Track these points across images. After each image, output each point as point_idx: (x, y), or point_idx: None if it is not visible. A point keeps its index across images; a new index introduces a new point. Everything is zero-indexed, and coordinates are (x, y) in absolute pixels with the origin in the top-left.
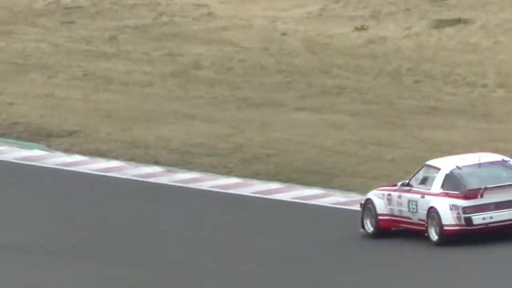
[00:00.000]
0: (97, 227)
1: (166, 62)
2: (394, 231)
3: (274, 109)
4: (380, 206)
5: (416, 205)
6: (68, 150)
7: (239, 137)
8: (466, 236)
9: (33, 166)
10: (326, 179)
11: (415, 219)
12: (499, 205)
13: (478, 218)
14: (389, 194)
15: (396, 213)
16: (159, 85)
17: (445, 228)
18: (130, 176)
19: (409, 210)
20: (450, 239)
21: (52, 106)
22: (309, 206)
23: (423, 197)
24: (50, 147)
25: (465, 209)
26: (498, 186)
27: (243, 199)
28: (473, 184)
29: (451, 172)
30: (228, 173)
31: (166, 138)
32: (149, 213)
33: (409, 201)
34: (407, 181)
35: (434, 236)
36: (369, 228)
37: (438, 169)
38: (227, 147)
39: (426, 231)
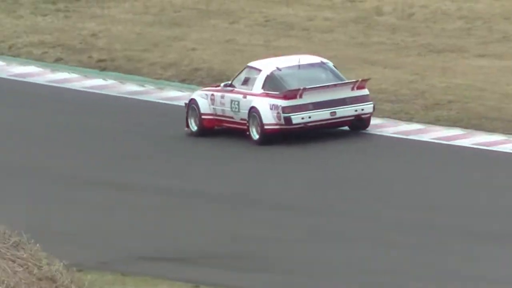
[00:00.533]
0: None
1: (347, 8)
2: (217, 129)
3: (455, 55)
4: (204, 106)
5: (238, 105)
6: None
7: (420, 84)
8: (286, 135)
9: None
10: (507, 126)
11: (237, 119)
12: (316, 105)
13: (297, 118)
14: (212, 95)
15: (219, 112)
16: (340, 31)
17: (266, 127)
18: None
19: (231, 110)
20: (270, 137)
21: (233, 52)
22: (491, 152)
23: (245, 97)
24: None
25: (285, 109)
26: (316, 87)
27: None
28: (292, 85)
29: (272, 73)
30: (410, 119)
31: None
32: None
33: (231, 101)
34: (229, 82)
35: (255, 135)
36: (193, 127)
37: (259, 70)
38: (409, 93)
39: (248, 130)
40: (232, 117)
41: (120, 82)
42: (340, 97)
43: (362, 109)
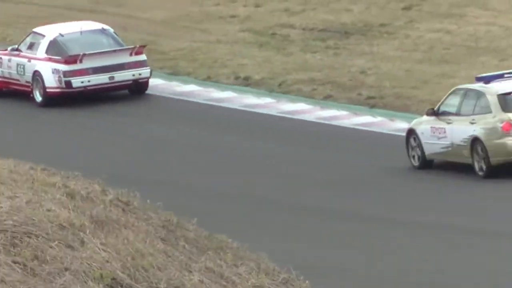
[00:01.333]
0: None
1: None
2: (6, 91)
3: None
4: None
5: (24, 68)
6: None
7: None
8: (68, 97)
9: None
10: None
11: (22, 81)
12: (96, 70)
13: (77, 82)
14: (0, 58)
15: (6, 75)
16: None
17: (48, 90)
18: None
19: (17, 73)
20: (52, 100)
21: None
22: None
23: (29, 61)
24: None
25: (65, 73)
26: (95, 53)
27: None
28: (74, 50)
29: (55, 38)
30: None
31: None
32: None
33: (17, 65)
34: (16, 46)
35: (38, 97)
36: None
37: (43, 35)
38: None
39: (32, 92)
40: (18, 80)
41: (390, 119)
42: (119, 62)
43: (140, 74)
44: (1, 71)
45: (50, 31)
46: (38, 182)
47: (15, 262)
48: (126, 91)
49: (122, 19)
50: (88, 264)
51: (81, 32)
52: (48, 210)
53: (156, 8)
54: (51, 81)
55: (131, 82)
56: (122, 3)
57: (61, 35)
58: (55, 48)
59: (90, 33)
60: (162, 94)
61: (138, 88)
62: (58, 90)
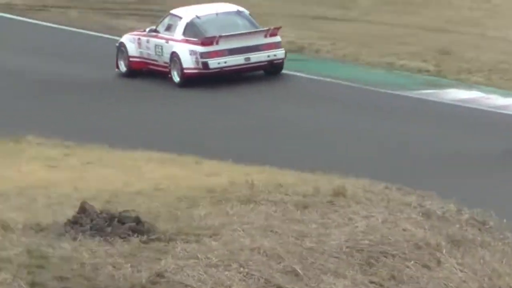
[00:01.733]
0: None
1: None
2: (144, 71)
3: None
4: (132, 49)
5: (162, 49)
6: None
7: None
8: (204, 78)
9: None
10: None
11: (160, 62)
12: (232, 51)
13: (213, 63)
14: (139, 39)
15: (145, 55)
16: None
17: (185, 71)
18: None
19: (155, 54)
20: (189, 81)
21: None
22: None
23: (167, 42)
24: None
25: (202, 54)
26: (231, 35)
27: None
28: (210, 32)
29: (191, 20)
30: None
31: None
32: None
33: (155, 46)
34: (154, 27)
35: (176, 78)
36: (123, 68)
37: (180, 17)
38: None
39: (170, 73)
40: (156, 60)
41: None
42: (254, 44)
43: (275, 55)
44: (140, 51)
45: (187, 13)
46: (393, 202)
47: (371, 282)
48: (261, 72)
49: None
50: (445, 285)
51: (217, 14)
52: (404, 230)
53: None
54: (188, 62)
55: (266, 63)
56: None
57: (198, 17)
58: (192, 30)
59: (225, 15)
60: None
61: (273, 69)
62: (195, 71)
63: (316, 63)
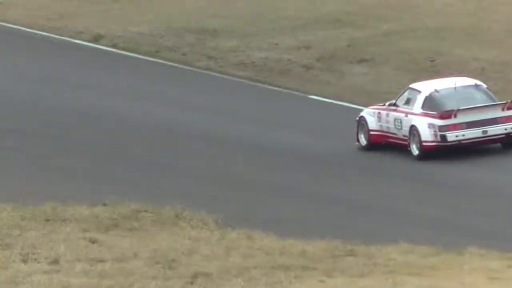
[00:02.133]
0: None
1: None
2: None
3: None
4: (372, 122)
5: (401, 122)
6: None
7: None
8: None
9: None
10: None
11: (399, 135)
12: (470, 125)
13: (452, 136)
14: (379, 113)
15: (384, 129)
16: None
17: (424, 144)
18: None
19: (395, 127)
20: (428, 153)
21: None
22: None
23: (406, 116)
24: None
25: (441, 128)
26: (469, 108)
27: None
28: (448, 105)
29: (430, 94)
30: None
31: None
32: None
33: (395, 119)
34: (394, 101)
35: (415, 151)
36: (363, 141)
37: (419, 91)
38: None
39: (409, 146)
40: (395, 134)
41: None
42: (492, 116)
43: None
44: (380, 125)
45: (426, 87)
46: None
47: None
48: (498, 145)
49: None
50: None
51: (455, 88)
52: None
53: None
54: (427, 135)
55: (503, 135)
56: None
57: (436, 91)
58: (431, 104)
59: (463, 88)
60: None
61: (510, 142)
62: (433, 143)
63: None
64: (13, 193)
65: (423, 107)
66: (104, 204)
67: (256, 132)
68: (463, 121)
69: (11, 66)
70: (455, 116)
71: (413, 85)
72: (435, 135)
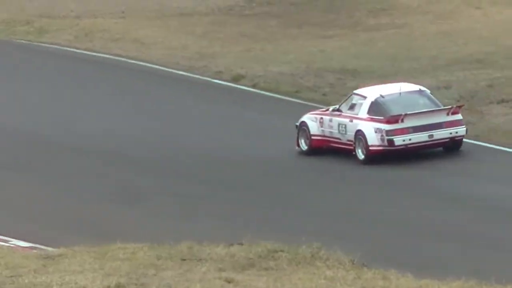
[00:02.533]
0: None
1: None
2: (325, 149)
3: None
4: (313, 128)
5: (345, 127)
6: None
7: None
8: (388, 155)
9: None
10: None
11: (344, 140)
12: (416, 129)
13: (399, 140)
14: (321, 118)
15: (327, 134)
16: None
17: (370, 148)
18: None
19: (339, 132)
20: (374, 157)
21: None
22: None
23: (351, 121)
24: None
25: (388, 132)
26: (416, 113)
27: None
28: (394, 110)
29: (376, 100)
30: None
31: None
32: None
33: (339, 124)
34: (337, 107)
35: (360, 155)
36: (303, 146)
37: (365, 97)
38: None
39: (354, 150)
40: (339, 138)
41: None
42: (437, 121)
43: (456, 132)
44: (322, 130)
45: (371, 93)
46: None
47: None
48: (440, 149)
49: None
50: None
51: (400, 93)
52: None
53: None
54: (373, 140)
55: (448, 140)
56: None
57: (382, 96)
58: (377, 109)
59: (408, 94)
60: None
61: (453, 146)
62: (380, 148)
63: None
64: (150, 233)
65: (368, 112)
66: (240, 244)
67: (398, 170)
68: (409, 125)
69: (152, 105)
70: (402, 121)
71: (357, 91)
72: (382, 140)
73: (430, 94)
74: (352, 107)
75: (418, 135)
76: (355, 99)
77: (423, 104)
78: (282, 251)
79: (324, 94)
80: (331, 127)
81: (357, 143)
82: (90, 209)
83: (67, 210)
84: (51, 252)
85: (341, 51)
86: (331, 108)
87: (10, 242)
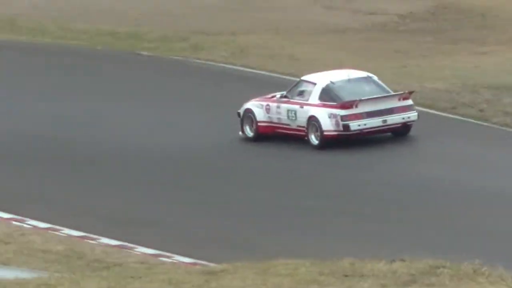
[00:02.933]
0: None
1: None
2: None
3: None
4: (260, 114)
5: (295, 113)
6: None
7: None
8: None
9: None
10: None
11: (293, 126)
12: (370, 114)
13: (354, 125)
14: (268, 105)
15: (274, 120)
16: None
17: (325, 133)
18: None
19: (288, 118)
20: (329, 143)
21: None
22: None
23: (302, 107)
24: None
25: (343, 117)
26: (370, 98)
27: None
28: (345, 96)
29: (327, 86)
30: None
31: None
32: None
33: (288, 111)
34: (284, 93)
35: (314, 141)
36: (249, 133)
37: (314, 83)
38: None
39: (306, 136)
40: (288, 124)
41: None
42: (389, 107)
43: (409, 117)
44: (269, 116)
45: (320, 79)
46: None
47: None
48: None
49: None
50: None
51: (349, 80)
52: None
53: None
54: (328, 125)
55: (400, 125)
56: None
57: (332, 82)
58: (329, 95)
59: (357, 80)
60: None
61: (404, 131)
62: (335, 133)
63: None
64: (313, 250)
65: (320, 98)
66: (402, 260)
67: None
68: (363, 111)
69: None
70: (356, 106)
71: (305, 77)
72: (337, 125)
73: (378, 80)
74: (301, 93)
75: (372, 120)
76: (303, 86)
77: (372, 90)
78: (444, 267)
79: (481, 110)
80: (279, 113)
81: (310, 129)
82: (236, 225)
83: (214, 226)
84: (213, 267)
85: (496, 67)
86: (278, 95)
87: (173, 258)
